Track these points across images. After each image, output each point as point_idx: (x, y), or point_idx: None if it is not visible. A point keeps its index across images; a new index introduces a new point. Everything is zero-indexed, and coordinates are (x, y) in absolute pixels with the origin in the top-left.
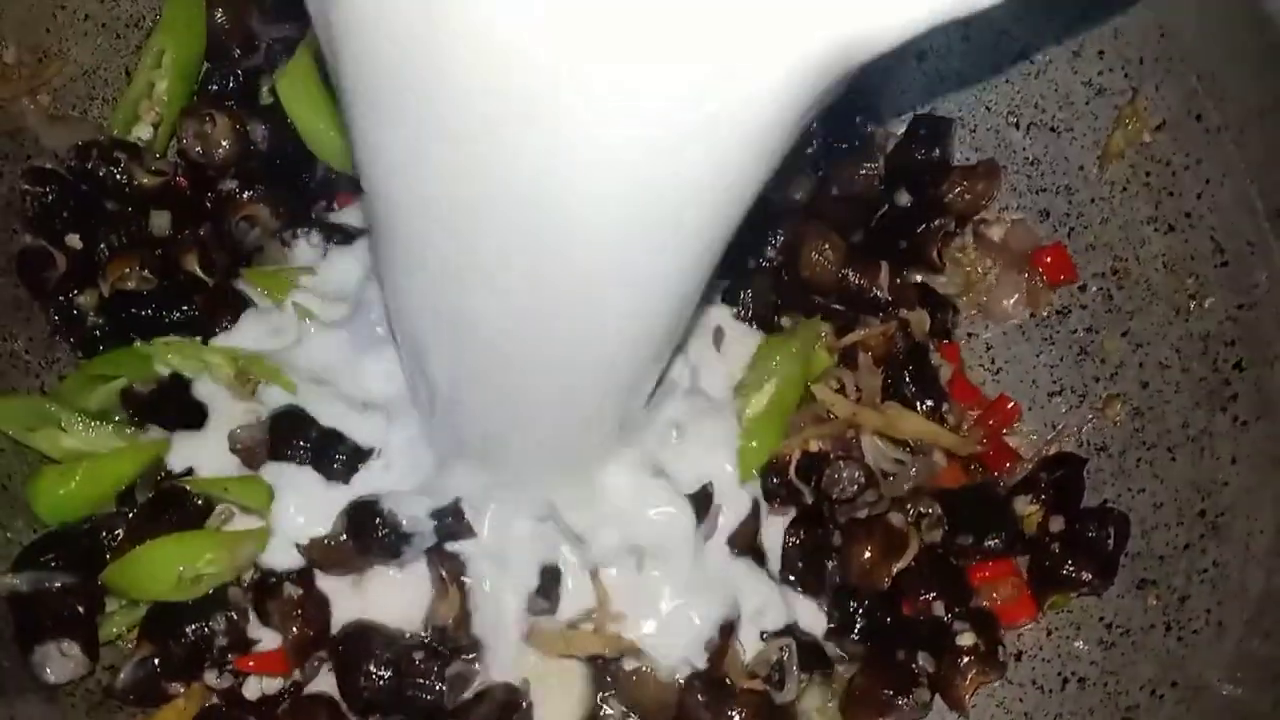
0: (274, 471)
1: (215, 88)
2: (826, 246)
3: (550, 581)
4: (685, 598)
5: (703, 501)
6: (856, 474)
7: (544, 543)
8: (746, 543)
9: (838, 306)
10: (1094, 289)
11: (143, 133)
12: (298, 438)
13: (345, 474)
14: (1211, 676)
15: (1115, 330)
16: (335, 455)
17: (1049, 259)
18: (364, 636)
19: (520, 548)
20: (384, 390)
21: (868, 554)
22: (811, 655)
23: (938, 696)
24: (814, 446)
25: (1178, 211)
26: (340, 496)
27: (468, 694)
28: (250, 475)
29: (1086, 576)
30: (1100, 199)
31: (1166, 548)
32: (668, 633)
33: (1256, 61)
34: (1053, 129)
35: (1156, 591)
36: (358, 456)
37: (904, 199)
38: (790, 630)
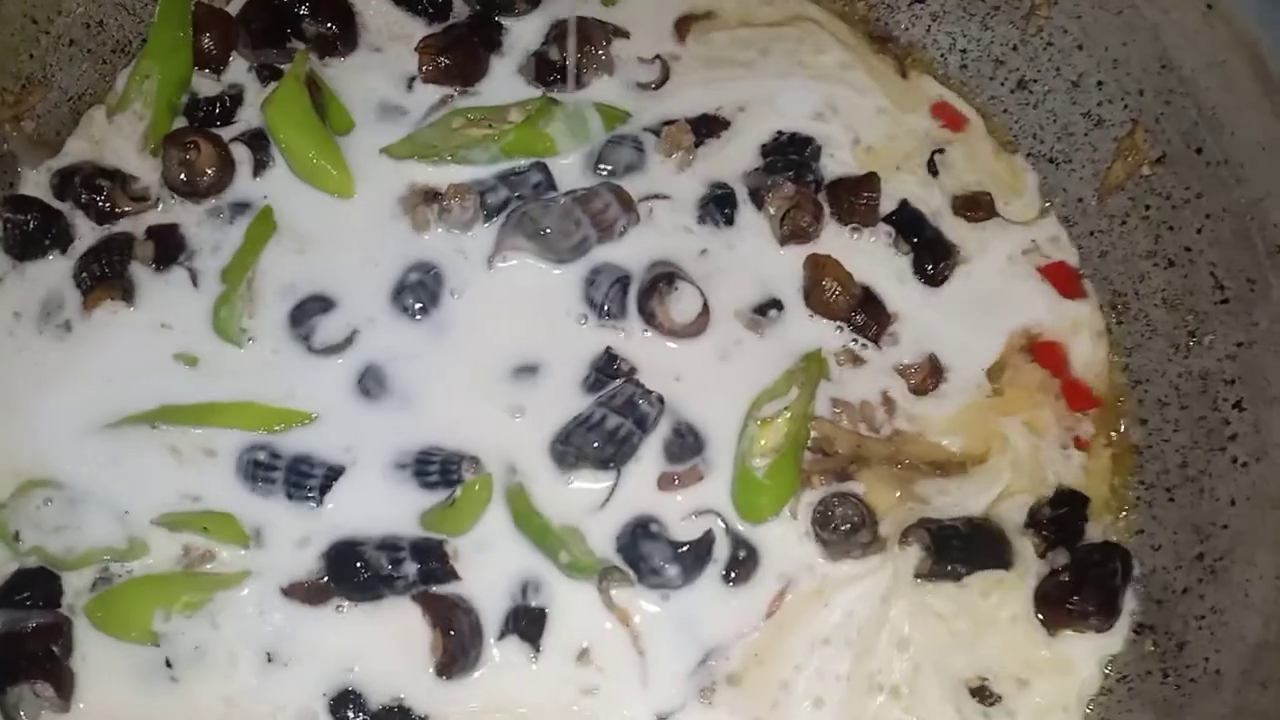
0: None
1: (201, 113)
2: (839, 288)
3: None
4: None
5: (703, 549)
6: (850, 513)
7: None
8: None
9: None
10: None
11: (127, 159)
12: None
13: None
14: None
15: (1114, 366)
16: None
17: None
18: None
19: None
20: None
21: None
22: None
23: None
24: (816, 483)
25: (1177, 246)
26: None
27: None
28: (229, 512)
29: (1091, 609)
30: (1099, 232)
31: (1165, 592)
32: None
33: (1258, 95)
34: (1051, 160)
35: (1154, 637)
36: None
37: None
38: None
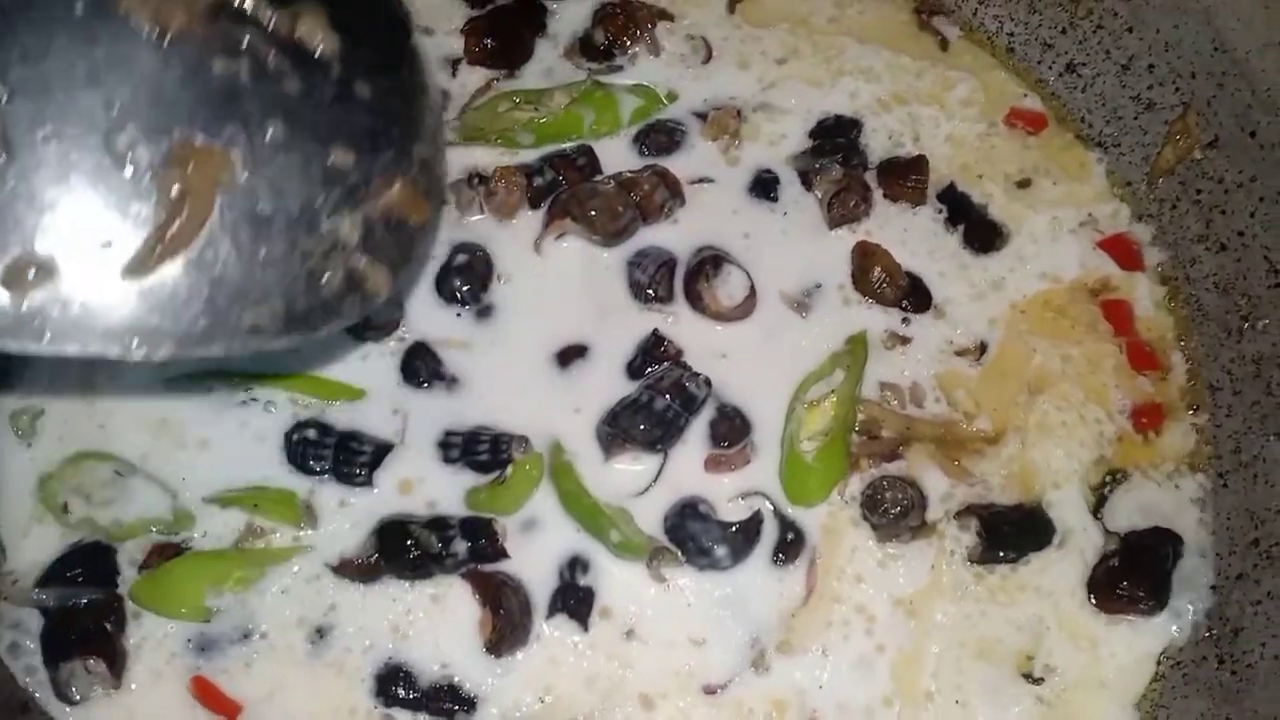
0: (301, 484)
1: None
2: (887, 278)
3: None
4: None
5: (752, 529)
6: (900, 497)
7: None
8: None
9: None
10: None
11: None
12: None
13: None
14: (1270, 712)
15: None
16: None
17: None
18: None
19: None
20: None
21: None
22: None
23: None
24: (864, 466)
25: (1230, 230)
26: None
27: None
28: (282, 489)
29: (1141, 594)
30: (1149, 216)
31: (1219, 578)
32: None
33: None
34: (1100, 144)
35: (1209, 623)
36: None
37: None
38: None
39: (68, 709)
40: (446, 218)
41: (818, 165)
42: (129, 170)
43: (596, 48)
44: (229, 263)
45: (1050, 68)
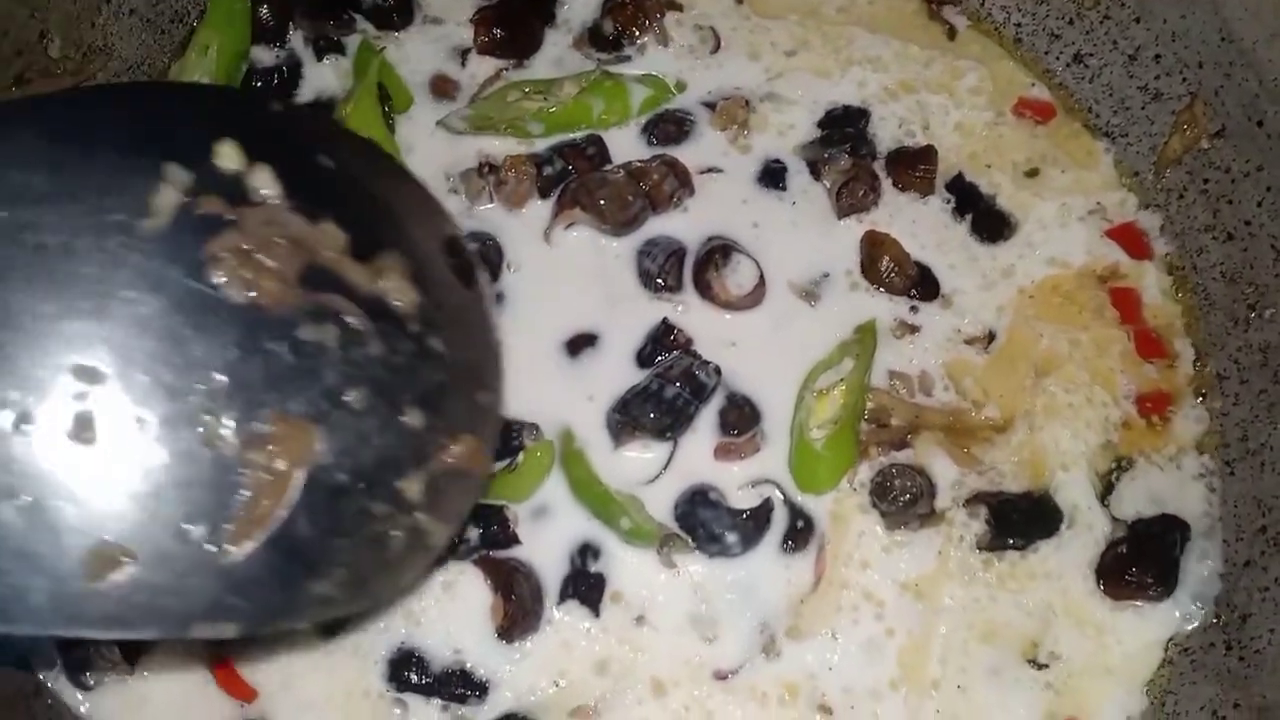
0: None
1: (259, 84)
2: (895, 267)
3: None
4: None
5: (762, 517)
6: (909, 485)
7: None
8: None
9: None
10: None
11: None
12: None
13: None
14: (1277, 698)
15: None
16: None
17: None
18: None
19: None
20: None
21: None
22: None
23: None
24: (873, 454)
25: (1237, 219)
26: None
27: None
28: None
29: (1150, 580)
30: (1156, 206)
31: (1226, 564)
32: None
33: None
34: (1107, 134)
35: (1216, 610)
36: None
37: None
38: None
39: (81, 695)
40: (456, 207)
41: (826, 155)
42: (214, 452)
43: (606, 38)
44: (303, 536)
45: (1058, 58)
